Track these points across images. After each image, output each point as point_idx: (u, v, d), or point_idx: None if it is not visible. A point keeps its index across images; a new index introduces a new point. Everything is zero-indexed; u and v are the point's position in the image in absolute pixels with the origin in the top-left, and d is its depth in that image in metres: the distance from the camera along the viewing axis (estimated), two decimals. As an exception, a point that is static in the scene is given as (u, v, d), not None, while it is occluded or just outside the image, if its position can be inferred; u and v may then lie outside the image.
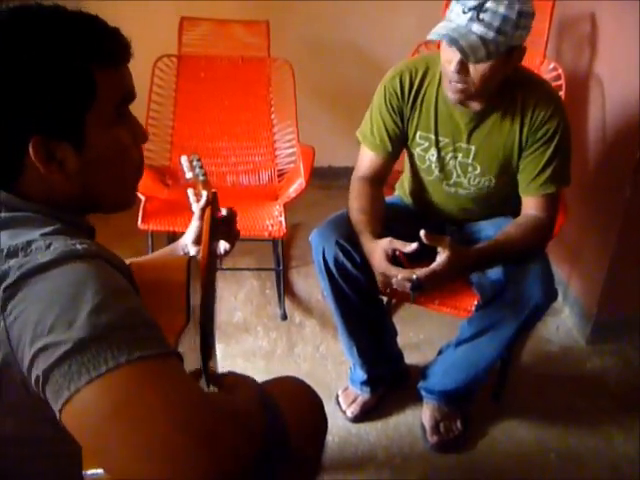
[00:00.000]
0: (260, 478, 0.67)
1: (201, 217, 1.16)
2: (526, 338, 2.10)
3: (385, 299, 1.91)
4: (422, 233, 1.37)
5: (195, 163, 1.23)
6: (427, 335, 2.12)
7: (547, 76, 1.94)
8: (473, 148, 1.56)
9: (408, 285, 1.41)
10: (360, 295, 1.58)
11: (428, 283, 1.41)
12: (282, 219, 2.00)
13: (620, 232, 1.92)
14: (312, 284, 2.31)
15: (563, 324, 2.21)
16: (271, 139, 2.37)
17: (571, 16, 2.18)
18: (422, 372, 1.80)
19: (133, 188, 0.85)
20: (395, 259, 1.46)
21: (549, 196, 1.54)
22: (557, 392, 1.94)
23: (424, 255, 1.43)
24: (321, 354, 2.05)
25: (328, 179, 2.73)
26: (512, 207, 1.64)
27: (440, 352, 1.76)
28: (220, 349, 1.72)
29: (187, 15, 2.32)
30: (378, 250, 1.46)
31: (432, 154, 1.60)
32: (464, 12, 1.32)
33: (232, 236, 1.23)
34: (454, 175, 1.61)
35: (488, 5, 1.30)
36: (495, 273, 1.55)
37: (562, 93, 1.87)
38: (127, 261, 0.78)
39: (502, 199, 1.66)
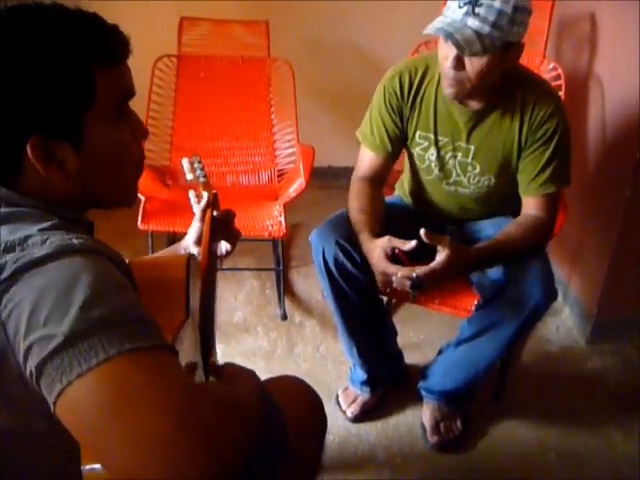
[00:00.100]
0: (260, 478, 0.67)
1: (202, 218, 1.17)
2: (526, 338, 2.10)
3: (385, 299, 1.91)
4: (422, 232, 1.37)
5: (196, 165, 1.24)
6: (427, 335, 2.12)
7: (547, 76, 1.94)
8: (472, 147, 1.56)
9: (408, 283, 1.41)
10: (360, 295, 1.58)
11: (428, 281, 1.41)
12: (282, 219, 2.00)
13: (620, 232, 1.92)
14: (312, 284, 2.31)
15: (563, 324, 2.21)
16: (271, 139, 2.37)
17: (571, 16, 2.18)
18: (422, 372, 1.80)
19: (134, 186, 0.85)
20: (395, 258, 1.45)
21: (549, 196, 1.54)
22: (557, 392, 1.94)
23: (424, 254, 1.42)
24: (321, 354, 2.05)
25: (328, 179, 2.73)
26: (512, 207, 1.64)
27: (440, 352, 1.76)
28: (220, 349, 1.71)
29: (187, 15, 2.32)
30: (377, 249, 1.46)
31: (432, 153, 1.60)
32: (460, 7, 1.32)
33: (232, 237, 1.23)
34: (454, 174, 1.61)
35: None
36: (495, 273, 1.55)
37: (562, 93, 1.87)
38: (127, 260, 0.78)
39: (502, 198, 1.66)
